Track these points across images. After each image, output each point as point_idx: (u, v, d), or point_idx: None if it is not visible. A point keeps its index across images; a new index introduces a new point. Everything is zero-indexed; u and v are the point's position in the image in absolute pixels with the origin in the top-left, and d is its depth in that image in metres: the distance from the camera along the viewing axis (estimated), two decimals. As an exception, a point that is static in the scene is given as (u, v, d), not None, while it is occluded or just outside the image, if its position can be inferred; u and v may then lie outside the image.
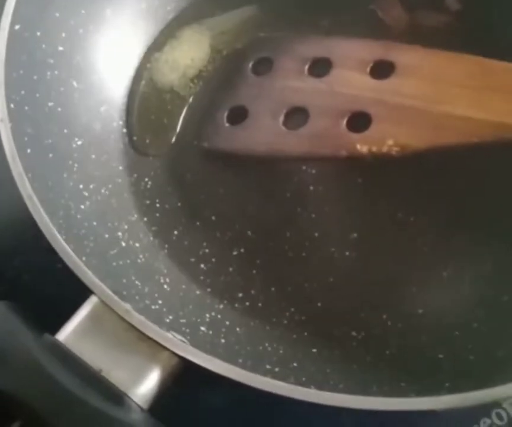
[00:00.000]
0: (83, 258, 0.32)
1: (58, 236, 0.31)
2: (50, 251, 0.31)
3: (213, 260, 0.38)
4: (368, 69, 0.38)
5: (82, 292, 0.30)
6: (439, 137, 0.34)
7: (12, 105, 0.34)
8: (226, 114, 0.41)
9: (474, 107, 0.34)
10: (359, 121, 0.36)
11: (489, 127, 0.33)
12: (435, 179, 0.39)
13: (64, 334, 0.29)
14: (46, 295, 0.37)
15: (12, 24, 0.36)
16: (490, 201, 0.39)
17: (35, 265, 0.38)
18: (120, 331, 0.29)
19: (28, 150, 0.35)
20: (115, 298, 0.30)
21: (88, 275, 0.30)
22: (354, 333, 0.36)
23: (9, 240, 0.39)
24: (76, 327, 0.29)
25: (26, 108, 0.36)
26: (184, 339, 0.30)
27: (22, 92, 0.36)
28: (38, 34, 0.38)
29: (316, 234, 0.39)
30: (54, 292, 0.36)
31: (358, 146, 0.35)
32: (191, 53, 0.44)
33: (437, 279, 0.37)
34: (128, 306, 0.30)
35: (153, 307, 0.34)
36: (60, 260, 0.31)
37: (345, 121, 0.36)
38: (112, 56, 0.43)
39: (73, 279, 0.30)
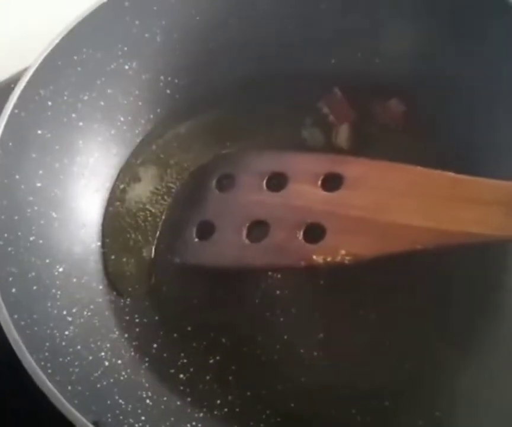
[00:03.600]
0: (69, 388, 0.35)
1: (44, 377, 0.33)
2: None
3: (191, 369, 0.41)
4: (319, 182, 0.41)
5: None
6: (386, 246, 0.37)
7: (-4, 252, 0.38)
8: (194, 230, 0.44)
9: (416, 216, 0.37)
10: (315, 232, 0.39)
11: (431, 234, 0.36)
12: (392, 275, 0.42)
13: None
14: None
15: (-6, 176, 0.39)
16: (444, 292, 0.42)
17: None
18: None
19: (13, 290, 0.38)
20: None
21: (73, 413, 0.32)
22: (326, 431, 0.38)
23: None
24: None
25: (9, 249, 0.39)
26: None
27: (5, 235, 0.39)
28: (17, 177, 0.41)
29: (286, 337, 0.42)
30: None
31: (315, 257, 0.39)
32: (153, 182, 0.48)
33: (400, 372, 0.40)
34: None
35: (136, 425, 0.37)
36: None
37: (302, 233, 0.40)
38: (88, 181, 0.47)
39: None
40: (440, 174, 0.39)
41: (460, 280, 0.43)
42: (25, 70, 0.43)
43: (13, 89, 0.42)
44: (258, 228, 0.42)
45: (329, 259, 0.38)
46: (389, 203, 0.38)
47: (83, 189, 0.46)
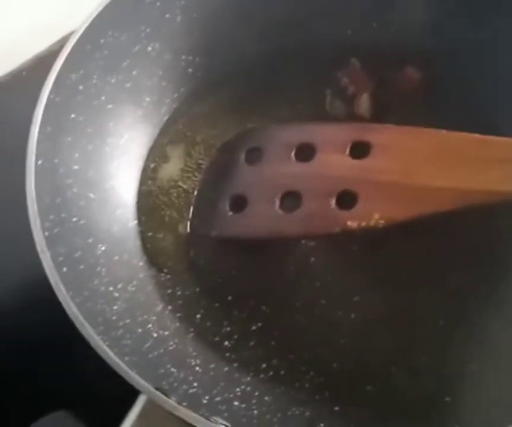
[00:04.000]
0: (126, 358, 0.37)
1: (107, 349, 0.35)
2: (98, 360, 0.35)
3: (235, 336, 0.43)
4: (347, 151, 0.42)
5: (131, 391, 0.35)
6: (417, 208, 0.39)
7: (46, 233, 0.39)
8: (228, 204, 0.45)
9: (444, 177, 0.39)
10: (347, 198, 0.41)
11: (459, 195, 0.38)
12: (422, 241, 0.44)
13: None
14: (99, 399, 0.42)
15: (36, 161, 0.41)
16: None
17: (84, 374, 0.43)
18: (170, 425, 0.34)
19: (64, 269, 0.39)
20: (162, 395, 0.34)
21: (138, 380, 0.34)
22: (368, 387, 0.41)
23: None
24: (129, 427, 0.34)
25: (56, 230, 0.41)
26: (226, 423, 0.34)
27: (51, 217, 0.41)
28: (56, 161, 0.43)
29: (323, 301, 0.44)
30: (105, 395, 0.41)
31: (349, 223, 0.40)
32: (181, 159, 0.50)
33: (435, 330, 0.42)
34: (173, 401, 0.34)
35: (190, 391, 0.39)
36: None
37: (334, 200, 0.41)
38: (120, 162, 0.48)
39: (121, 381, 0.35)
40: (465, 135, 0.40)
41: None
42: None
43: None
44: (290, 199, 0.43)
45: (363, 224, 0.40)
46: (417, 166, 0.40)
47: (116, 170, 0.48)
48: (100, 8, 0.45)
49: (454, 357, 0.41)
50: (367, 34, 0.52)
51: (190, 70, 0.52)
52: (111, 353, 0.35)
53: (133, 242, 0.47)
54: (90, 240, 0.44)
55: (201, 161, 0.49)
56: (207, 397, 0.39)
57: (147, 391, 0.34)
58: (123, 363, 0.35)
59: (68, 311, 0.36)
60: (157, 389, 0.35)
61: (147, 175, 0.49)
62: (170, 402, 0.34)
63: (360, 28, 0.52)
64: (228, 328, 0.43)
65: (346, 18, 0.52)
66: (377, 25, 0.52)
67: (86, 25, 0.45)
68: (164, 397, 0.34)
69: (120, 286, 0.43)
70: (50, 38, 0.60)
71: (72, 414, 0.36)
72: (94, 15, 0.45)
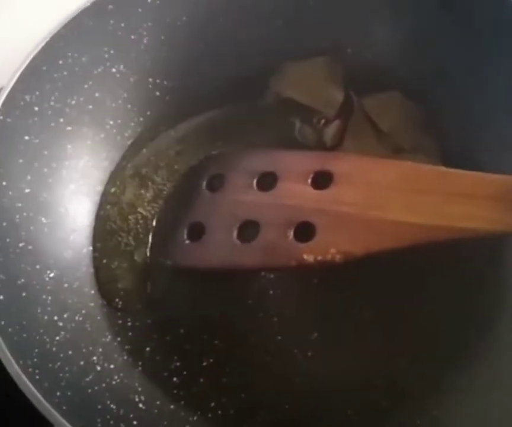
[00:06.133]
0: (58, 393, 0.35)
1: (28, 383, 0.33)
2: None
3: (185, 372, 0.41)
4: (309, 180, 0.40)
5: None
6: (375, 243, 0.37)
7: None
8: (185, 232, 0.43)
9: (406, 211, 0.36)
10: (305, 230, 0.39)
11: (421, 230, 0.36)
12: (386, 272, 0.41)
13: None
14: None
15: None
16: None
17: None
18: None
19: (1, 297, 0.37)
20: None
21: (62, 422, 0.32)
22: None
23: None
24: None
25: (-4, 255, 0.39)
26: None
27: (-7, 242, 0.39)
28: (4, 183, 0.41)
29: (279, 337, 0.41)
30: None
31: (305, 256, 0.38)
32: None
33: (396, 370, 0.40)
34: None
35: (128, 431, 0.37)
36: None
37: (292, 232, 0.39)
38: (78, 185, 0.46)
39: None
40: (430, 168, 0.38)
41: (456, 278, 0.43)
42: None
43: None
44: (249, 228, 0.41)
45: (319, 258, 0.38)
46: (379, 199, 0.38)
47: (73, 193, 0.46)
48: (57, 28, 0.44)
49: (419, 401, 0.38)
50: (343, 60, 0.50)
51: (157, 93, 0.50)
52: (32, 388, 0.33)
53: (86, 269, 0.44)
54: (37, 266, 0.42)
55: (163, 187, 0.47)
56: (146, 438, 0.36)
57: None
58: (44, 400, 0.33)
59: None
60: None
61: (107, 199, 0.47)
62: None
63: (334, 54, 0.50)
64: (178, 363, 0.41)
65: (320, 41, 0.50)
66: (351, 50, 0.50)
67: (41, 45, 0.43)
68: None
69: (66, 315, 0.41)
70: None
71: None
72: (50, 35, 0.43)
